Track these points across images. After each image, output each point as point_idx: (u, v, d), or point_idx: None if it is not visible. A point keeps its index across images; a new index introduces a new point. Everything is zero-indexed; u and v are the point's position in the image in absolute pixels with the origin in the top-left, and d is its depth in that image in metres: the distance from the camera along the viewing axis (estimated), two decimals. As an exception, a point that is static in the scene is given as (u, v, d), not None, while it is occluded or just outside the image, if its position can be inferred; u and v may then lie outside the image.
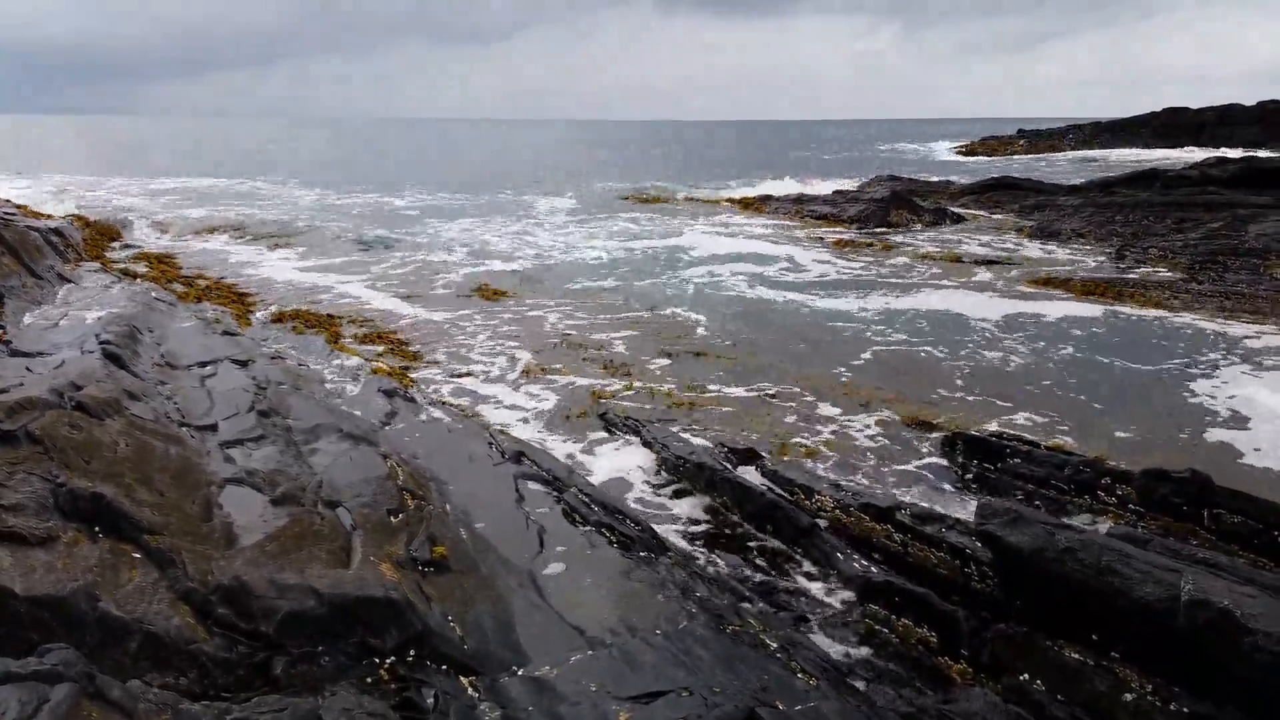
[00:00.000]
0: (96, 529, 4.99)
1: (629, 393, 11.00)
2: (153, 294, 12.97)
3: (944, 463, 8.73)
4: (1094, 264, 20.01)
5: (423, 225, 28.99)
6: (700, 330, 14.45)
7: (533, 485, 7.34)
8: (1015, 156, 67.70)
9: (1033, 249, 22.42)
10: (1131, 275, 18.27)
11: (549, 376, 11.71)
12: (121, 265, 16.91)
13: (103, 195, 36.32)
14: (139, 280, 14.94)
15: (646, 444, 9.03)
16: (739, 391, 11.13)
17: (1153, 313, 15.15)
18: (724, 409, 10.50)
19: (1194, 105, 71.30)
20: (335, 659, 4.48)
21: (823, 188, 36.63)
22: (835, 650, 5.72)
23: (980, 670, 5.36)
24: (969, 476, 8.36)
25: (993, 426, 9.59)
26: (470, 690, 4.48)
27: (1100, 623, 5.06)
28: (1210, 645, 4.57)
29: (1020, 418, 10.07)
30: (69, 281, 13.46)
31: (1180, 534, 6.46)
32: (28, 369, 7.67)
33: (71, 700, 3.33)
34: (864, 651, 5.72)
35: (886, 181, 36.91)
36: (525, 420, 10.15)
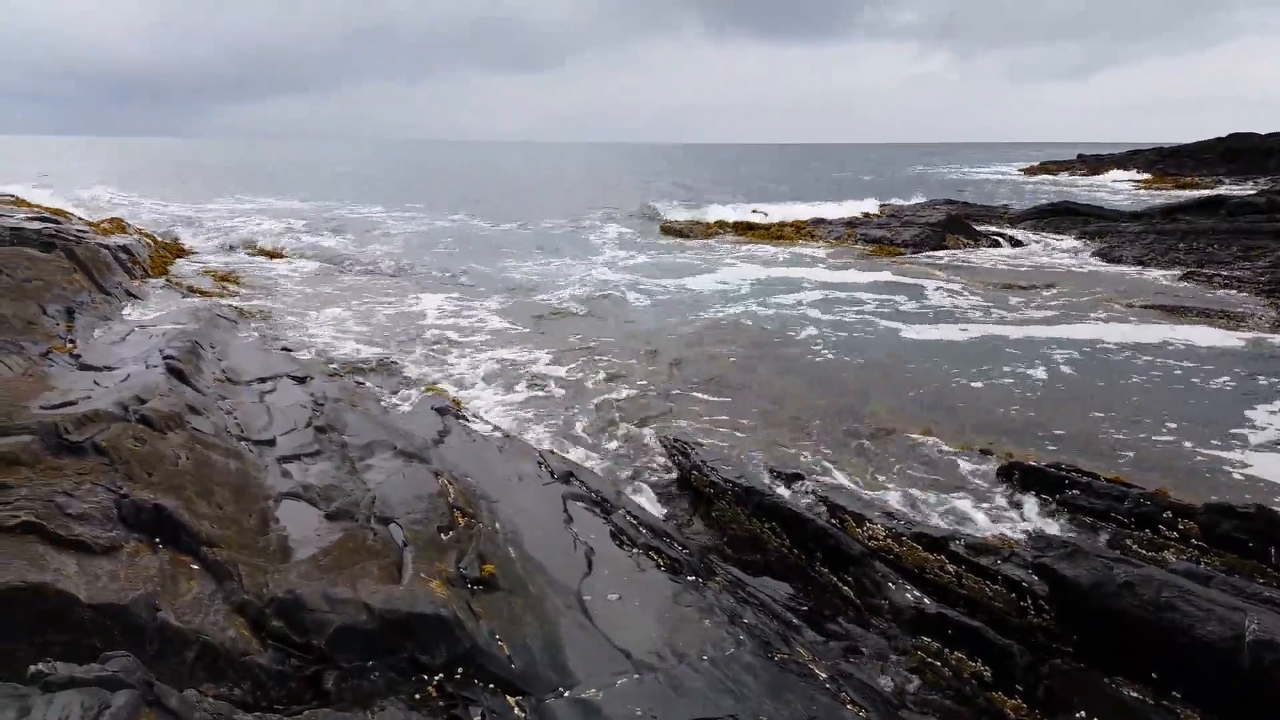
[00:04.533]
0: (157, 540, 5.11)
1: (682, 419, 11.00)
2: (215, 310, 13.28)
3: (1000, 491, 8.58)
4: (1159, 290, 19.55)
5: (487, 251, 29.34)
6: (748, 357, 14.38)
7: (581, 506, 7.36)
8: (1076, 177, 66.71)
9: (1092, 274, 21.99)
10: (1199, 305, 17.77)
11: (604, 402, 11.74)
12: (186, 282, 17.35)
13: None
14: (202, 296, 15.33)
15: (695, 467, 9.00)
16: (787, 412, 11.06)
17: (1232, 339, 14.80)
18: (774, 430, 10.44)
19: (1261, 130, 69.62)
20: (385, 675, 4.53)
21: (876, 211, 36.38)
22: (885, 682, 5.63)
23: (1035, 706, 5.24)
24: (1025, 507, 8.21)
25: (1046, 454, 9.41)
26: (517, 710, 4.49)
27: (1160, 660, 4.92)
28: (1276, 687, 4.42)
29: (1068, 445, 9.94)
30: (136, 297, 13.86)
31: (1245, 572, 6.27)
32: (95, 382, 7.89)
33: (131, 707, 3.40)
34: (915, 684, 5.63)
35: (941, 205, 36.58)
36: (575, 442, 10.19)
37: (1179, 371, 12.94)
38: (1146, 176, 63.42)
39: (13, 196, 23.75)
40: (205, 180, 68.08)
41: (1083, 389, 12.18)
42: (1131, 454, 9.66)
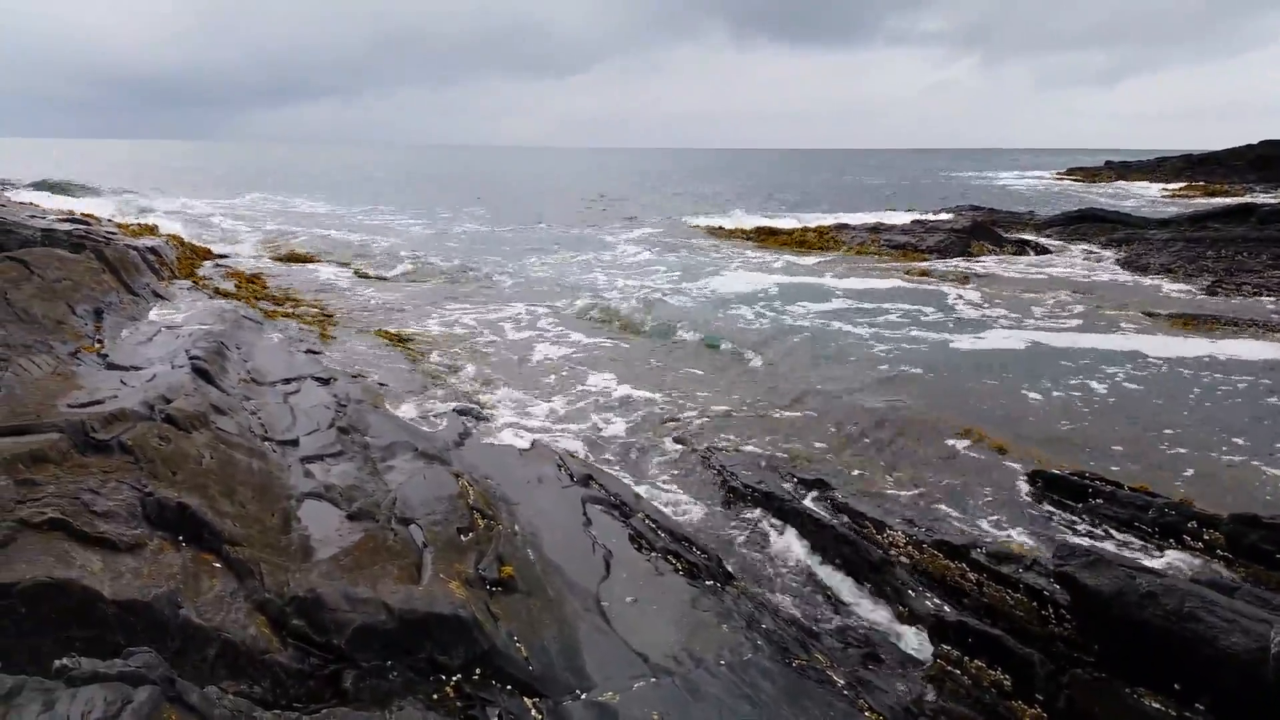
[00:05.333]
0: (181, 538, 5.17)
1: (708, 419, 10.98)
2: (241, 312, 13.41)
3: (1023, 500, 8.51)
4: (1185, 299, 19.29)
5: (522, 254, 29.41)
6: (764, 361, 14.34)
7: (600, 509, 7.37)
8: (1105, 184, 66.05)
9: (1119, 282, 21.78)
10: (1235, 314, 17.39)
11: (629, 403, 11.73)
12: (213, 284, 17.51)
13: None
14: (228, 298, 15.48)
15: (717, 470, 9.00)
16: (810, 418, 11.01)
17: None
18: (794, 435, 10.40)
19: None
20: (403, 674, 4.56)
21: (899, 218, 36.20)
22: (904, 690, 5.60)
23: (1055, 716, 5.19)
24: (1049, 515, 8.13)
25: (1075, 465, 9.25)
26: (534, 712, 4.50)
27: (1183, 672, 4.86)
28: (1303, 701, 4.36)
29: (1106, 454, 9.73)
30: (163, 298, 14.01)
31: (1271, 583, 6.18)
32: (122, 382, 8.00)
33: (153, 703, 3.44)
34: (934, 692, 5.59)
35: (967, 211, 36.32)
36: (597, 444, 10.19)
37: (1242, 384, 12.55)
38: (1180, 185, 62.18)
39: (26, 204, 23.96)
40: (233, 184, 68.68)
41: (1135, 403, 11.84)
42: (1191, 470, 9.32)
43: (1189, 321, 16.69)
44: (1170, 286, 21.13)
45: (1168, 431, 10.56)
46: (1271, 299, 18.75)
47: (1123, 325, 16.73)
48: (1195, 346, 14.87)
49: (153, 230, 22.78)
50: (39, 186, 44.17)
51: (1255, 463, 9.53)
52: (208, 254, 23.36)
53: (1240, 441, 10.16)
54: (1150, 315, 17.40)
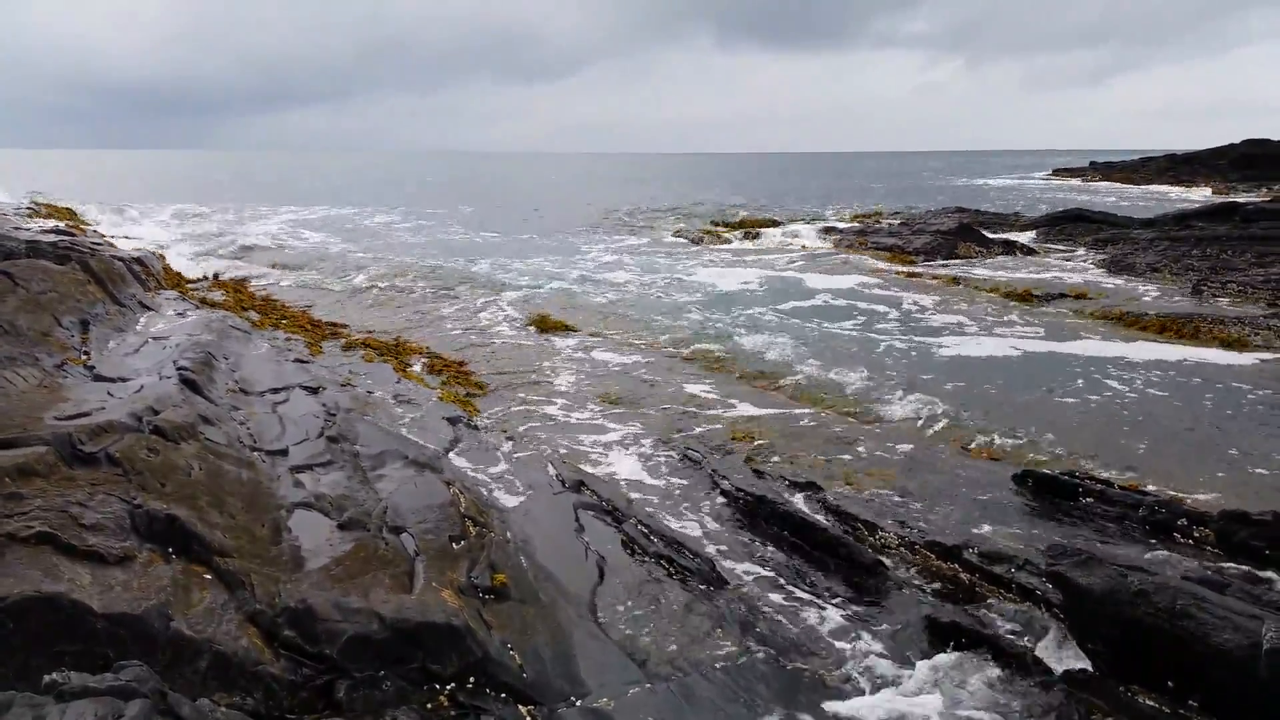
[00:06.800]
0: (170, 550, 5.14)
1: (696, 423, 10.97)
2: (229, 322, 13.35)
3: (1014, 500, 8.51)
4: (1170, 299, 19.36)
5: (520, 256, 29.38)
6: (759, 360, 14.34)
7: (592, 515, 7.36)
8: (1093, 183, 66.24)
9: (1105, 283, 21.86)
10: (1211, 312, 17.42)
11: (620, 408, 11.71)
12: (200, 293, 17.43)
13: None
14: (216, 308, 15.41)
15: (709, 474, 8.99)
16: (801, 421, 11.01)
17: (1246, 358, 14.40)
18: (784, 437, 10.39)
19: (1275, 137, 68.56)
20: (396, 684, 4.53)
21: (888, 220, 36.35)
22: (899, 691, 5.59)
23: (1047, 715, 5.19)
24: (1039, 514, 8.15)
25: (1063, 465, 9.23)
26: (528, 720, 4.49)
27: (1176, 669, 4.88)
28: (1295, 697, 4.38)
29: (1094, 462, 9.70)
30: (149, 309, 13.93)
31: (1262, 580, 6.21)
32: (109, 393, 7.94)
33: (144, 716, 3.41)
34: (929, 692, 5.59)
35: (953, 213, 36.38)
36: (593, 451, 10.16)
37: (1265, 391, 12.23)
38: (1181, 188, 61.08)
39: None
40: (227, 195, 68.28)
41: (1144, 408, 11.58)
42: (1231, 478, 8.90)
43: (1183, 323, 16.65)
44: (1158, 287, 21.22)
45: (1184, 438, 10.36)
46: (1254, 297, 18.84)
47: (1118, 328, 16.76)
48: (1195, 350, 14.81)
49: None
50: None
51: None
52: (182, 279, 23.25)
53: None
54: (1142, 316, 17.41)
